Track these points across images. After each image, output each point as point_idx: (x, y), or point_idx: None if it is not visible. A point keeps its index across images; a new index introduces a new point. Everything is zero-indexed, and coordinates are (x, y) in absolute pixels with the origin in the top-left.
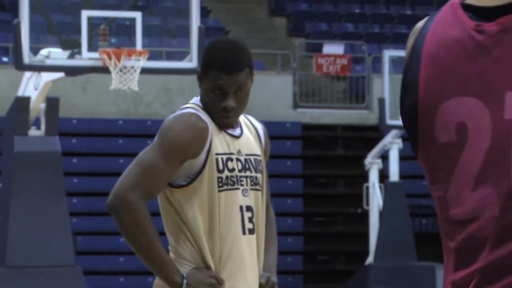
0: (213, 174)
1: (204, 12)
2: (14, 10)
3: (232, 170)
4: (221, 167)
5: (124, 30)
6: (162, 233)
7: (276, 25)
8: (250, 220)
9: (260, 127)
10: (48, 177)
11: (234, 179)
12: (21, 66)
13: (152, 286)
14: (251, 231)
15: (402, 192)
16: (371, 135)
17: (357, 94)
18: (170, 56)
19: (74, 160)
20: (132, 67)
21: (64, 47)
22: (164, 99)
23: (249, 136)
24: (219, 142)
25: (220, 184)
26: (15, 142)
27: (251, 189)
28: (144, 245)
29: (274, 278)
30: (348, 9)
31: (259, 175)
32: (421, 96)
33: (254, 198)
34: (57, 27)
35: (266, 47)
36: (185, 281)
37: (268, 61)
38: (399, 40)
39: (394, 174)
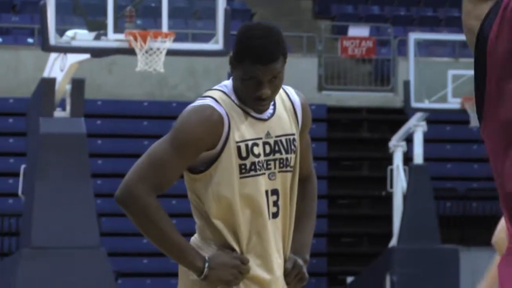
0: (232, 161)
1: None
2: None
3: (258, 155)
4: (244, 154)
5: (150, 12)
6: (190, 215)
7: (302, 7)
8: (275, 203)
9: (297, 100)
10: (73, 159)
11: (262, 164)
12: (47, 48)
13: (178, 269)
14: (275, 215)
15: (426, 175)
16: (396, 117)
17: (382, 76)
18: (195, 38)
19: (99, 142)
20: (158, 49)
21: (90, 28)
22: (189, 81)
23: (282, 115)
24: (244, 128)
25: (244, 171)
26: (41, 124)
27: (280, 172)
28: (157, 236)
29: (306, 256)
30: None
31: (290, 156)
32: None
33: (281, 181)
34: (83, 9)
35: (292, 30)
36: (206, 264)
37: (294, 44)
38: (424, 23)
39: (418, 156)
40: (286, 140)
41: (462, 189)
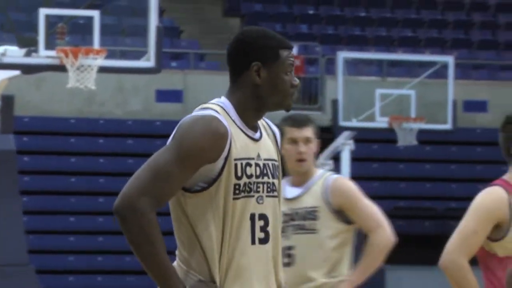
0: (231, 180)
1: (158, 12)
2: None
3: (250, 176)
4: (239, 173)
5: (78, 29)
6: (170, 233)
7: (230, 25)
8: (263, 229)
9: (277, 130)
10: (2, 176)
11: (252, 186)
12: None
13: None
14: (263, 241)
15: None
16: (323, 136)
17: (310, 95)
18: (124, 55)
19: (26, 159)
20: (89, 66)
21: (21, 45)
22: (118, 98)
23: (267, 140)
24: (240, 146)
25: (237, 192)
26: None
27: (267, 196)
28: (148, 254)
29: None
30: (303, 10)
31: (276, 181)
32: None
33: (269, 206)
34: (13, 25)
35: (220, 48)
36: None
37: (222, 62)
38: (353, 42)
39: (345, 175)
40: (272, 164)
41: (389, 208)
